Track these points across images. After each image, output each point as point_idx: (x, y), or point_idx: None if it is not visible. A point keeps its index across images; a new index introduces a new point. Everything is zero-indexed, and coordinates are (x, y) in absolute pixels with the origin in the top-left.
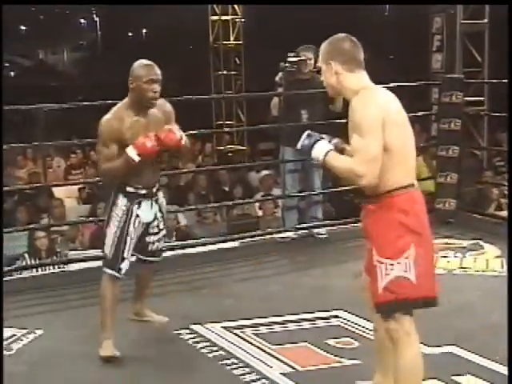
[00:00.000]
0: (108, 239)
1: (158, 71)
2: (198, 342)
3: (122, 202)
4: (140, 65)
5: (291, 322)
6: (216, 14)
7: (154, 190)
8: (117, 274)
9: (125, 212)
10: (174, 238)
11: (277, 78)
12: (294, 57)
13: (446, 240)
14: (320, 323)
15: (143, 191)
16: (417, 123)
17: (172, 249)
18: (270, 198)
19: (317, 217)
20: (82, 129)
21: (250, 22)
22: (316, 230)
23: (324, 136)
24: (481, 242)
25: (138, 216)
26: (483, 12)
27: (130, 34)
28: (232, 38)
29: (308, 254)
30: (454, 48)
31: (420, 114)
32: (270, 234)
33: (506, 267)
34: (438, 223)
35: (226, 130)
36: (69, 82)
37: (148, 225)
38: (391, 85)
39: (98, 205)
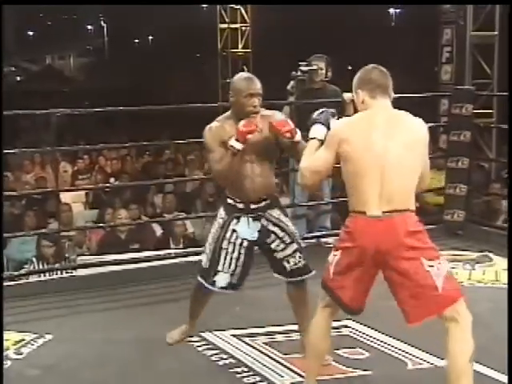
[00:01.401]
0: (206, 248)
1: (258, 85)
2: (208, 350)
3: (220, 214)
4: (240, 78)
5: (299, 332)
6: (225, 22)
7: (254, 206)
8: (210, 287)
9: (221, 225)
10: (181, 245)
11: (288, 87)
12: (305, 66)
13: (455, 252)
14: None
15: (241, 205)
16: None
17: (181, 256)
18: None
19: (325, 226)
20: (88, 134)
21: (259, 30)
22: (324, 240)
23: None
24: (490, 254)
25: (234, 231)
26: (493, 24)
27: (137, 41)
28: (240, 46)
29: (317, 264)
30: (463, 60)
31: (429, 125)
32: None
33: None
34: (446, 235)
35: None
36: (75, 87)
37: (263, 242)
38: (397, 96)
39: (107, 211)
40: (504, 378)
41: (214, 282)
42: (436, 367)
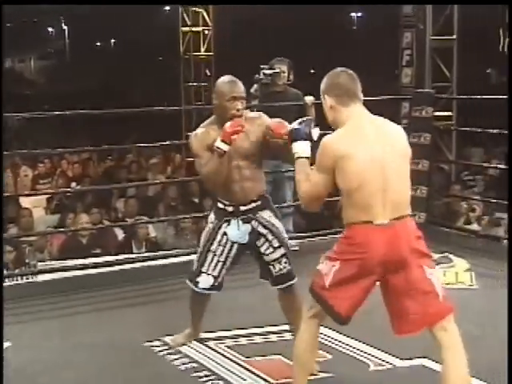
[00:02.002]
0: (197, 253)
1: (242, 88)
2: (169, 354)
3: (211, 217)
4: (223, 81)
5: (262, 334)
6: (187, 25)
7: (244, 208)
8: (193, 287)
9: (211, 228)
10: (143, 249)
11: (252, 90)
12: (268, 69)
13: None
14: (287, 336)
15: (230, 208)
16: None
17: (144, 260)
18: None
19: (288, 229)
20: (49, 137)
21: (222, 34)
22: None
23: (312, 131)
24: (450, 256)
25: (225, 234)
26: (452, 28)
27: (99, 44)
28: (203, 50)
29: None
30: (423, 63)
31: None
32: None
33: (475, 281)
34: None
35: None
36: (35, 90)
37: (253, 244)
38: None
39: (68, 215)
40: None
41: (197, 282)
42: (396, 368)
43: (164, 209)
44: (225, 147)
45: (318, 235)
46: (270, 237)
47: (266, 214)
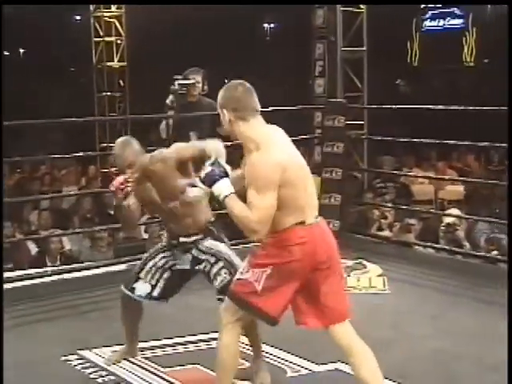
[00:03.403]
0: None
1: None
2: (86, 368)
3: (165, 236)
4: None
5: (181, 344)
6: (99, 36)
7: (184, 239)
8: (128, 293)
9: (163, 245)
10: (58, 262)
11: (167, 101)
12: (182, 79)
13: None
14: (213, 344)
15: (174, 241)
16: (302, 146)
17: (56, 273)
18: (155, 221)
19: None
20: None
21: (135, 44)
22: None
23: (225, 168)
24: (363, 262)
25: (174, 254)
26: (361, 40)
27: (7, 53)
28: (116, 60)
29: (199, 276)
30: (335, 74)
31: (301, 137)
32: None
33: (387, 285)
34: None
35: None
36: None
37: (196, 269)
38: (271, 109)
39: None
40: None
41: (133, 288)
42: (313, 373)
43: (79, 221)
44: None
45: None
46: (206, 257)
47: (208, 243)
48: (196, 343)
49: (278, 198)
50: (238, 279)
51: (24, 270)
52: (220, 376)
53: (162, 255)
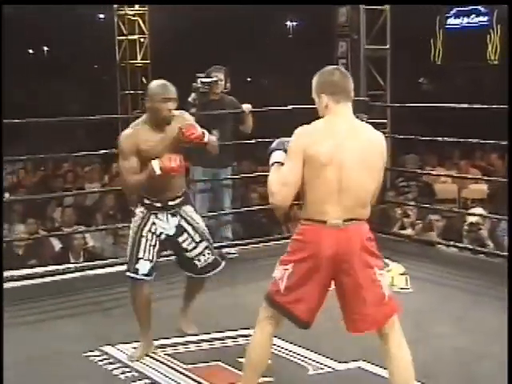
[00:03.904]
0: (128, 243)
1: (173, 90)
2: (109, 364)
3: (139, 210)
4: (155, 84)
5: (203, 341)
6: (123, 34)
7: (172, 203)
8: (133, 275)
9: (140, 217)
10: (81, 259)
11: (190, 99)
12: (205, 77)
13: None
14: (229, 342)
15: (158, 204)
16: None
17: (79, 270)
18: None
19: (227, 237)
20: None
21: (158, 41)
22: (226, 250)
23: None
24: (386, 260)
25: (154, 224)
26: (385, 38)
27: (31, 52)
28: (139, 58)
29: (219, 273)
30: (358, 72)
31: None
32: None
33: (410, 284)
34: None
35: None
36: None
37: (176, 240)
38: (290, 107)
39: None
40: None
41: (137, 269)
42: (335, 371)
43: (102, 218)
44: (158, 172)
45: (257, 242)
46: (191, 232)
47: (189, 209)
48: (222, 340)
49: (305, 178)
50: (272, 277)
51: (48, 266)
52: (246, 373)
53: (146, 230)
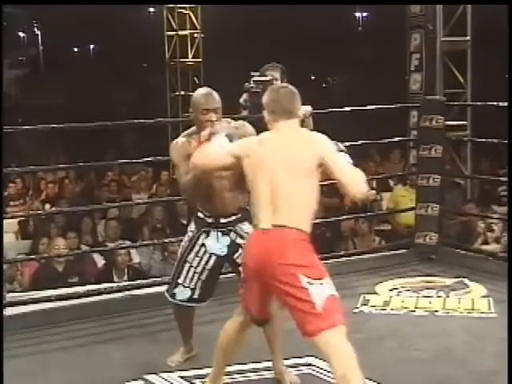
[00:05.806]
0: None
1: (216, 99)
2: None
3: (190, 227)
4: (198, 94)
5: (257, 370)
6: (173, 29)
7: (224, 220)
8: (170, 298)
9: (190, 238)
10: (125, 277)
11: (241, 100)
12: (259, 76)
13: (428, 278)
14: (292, 371)
15: (210, 220)
16: (395, 149)
17: (123, 289)
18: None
19: None
20: (21, 154)
21: (211, 38)
22: None
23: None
24: (465, 281)
25: (203, 245)
26: (465, 28)
27: (76, 50)
28: (190, 56)
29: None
30: (433, 67)
31: (397, 139)
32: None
33: (493, 308)
34: (417, 259)
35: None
36: (7, 102)
37: (232, 257)
38: (359, 108)
39: (41, 240)
40: None
41: (174, 294)
42: None
43: (149, 231)
44: (192, 162)
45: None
46: None
47: (246, 227)
48: (268, 370)
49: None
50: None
51: (89, 284)
52: (217, 353)
53: (194, 253)
